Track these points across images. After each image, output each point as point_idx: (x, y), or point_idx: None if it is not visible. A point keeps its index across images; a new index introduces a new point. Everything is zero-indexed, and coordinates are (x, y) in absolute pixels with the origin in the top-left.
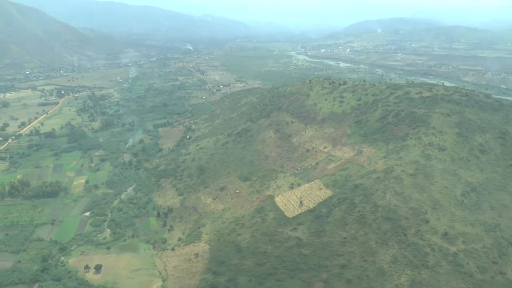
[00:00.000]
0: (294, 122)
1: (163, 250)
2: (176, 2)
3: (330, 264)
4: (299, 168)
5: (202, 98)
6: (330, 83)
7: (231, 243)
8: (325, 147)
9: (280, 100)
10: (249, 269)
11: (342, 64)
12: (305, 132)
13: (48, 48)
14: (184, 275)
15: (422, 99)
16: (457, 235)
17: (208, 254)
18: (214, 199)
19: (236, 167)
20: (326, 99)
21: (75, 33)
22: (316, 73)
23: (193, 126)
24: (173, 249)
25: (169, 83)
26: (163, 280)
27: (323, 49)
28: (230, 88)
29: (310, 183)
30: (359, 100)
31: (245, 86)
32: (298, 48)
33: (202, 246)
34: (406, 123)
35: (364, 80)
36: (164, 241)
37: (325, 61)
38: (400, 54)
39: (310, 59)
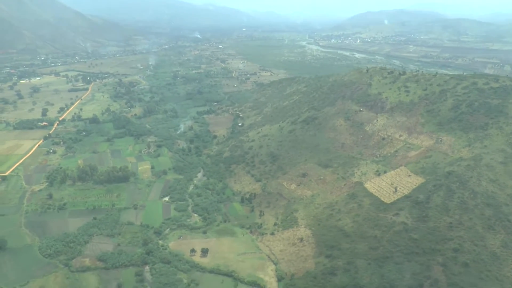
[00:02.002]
0: (362, 111)
1: (262, 234)
2: None
3: (443, 248)
4: (378, 156)
5: (234, 86)
6: (389, 73)
7: (333, 227)
8: (400, 135)
9: (341, 89)
10: (364, 253)
11: (357, 55)
12: (377, 120)
13: (60, 34)
14: (295, 259)
15: (492, 90)
16: None
17: (312, 239)
18: (298, 185)
19: (311, 154)
20: (390, 89)
21: (85, 19)
22: (335, 63)
23: (241, 114)
24: (272, 233)
25: (193, 71)
26: (275, 264)
27: (333, 40)
28: (257, 77)
29: (396, 170)
30: (425, 90)
31: (271, 75)
32: (307, 38)
33: (303, 231)
34: (482, 113)
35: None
36: (260, 226)
37: (339, 52)
38: (412, 46)
39: (323, 49)
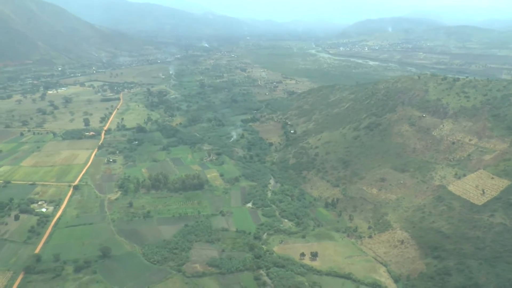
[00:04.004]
0: (425, 116)
1: (360, 238)
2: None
3: None
4: (452, 160)
5: (265, 94)
6: (443, 79)
7: (430, 229)
8: (470, 140)
9: (398, 96)
10: (471, 253)
11: (371, 63)
12: (443, 125)
13: (73, 45)
14: (402, 260)
15: None
16: None
17: (412, 241)
18: (380, 190)
19: (383, 159)
20: (448, 95)
21: (95, 29)
22: (353, 71)
23: (288, 121)
24: (370, 236)
25: (218, 80)
26: (385, 265)
27: (341, 48)
28: (285, 85)
29: (475, 173)
30: (486, 95)
31: (296, 83)
32: (313, 46)
33: (400, 233)
34: None
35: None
36: (355, 230)
37: (352, 59)
38: (422, 53)
39: (335, 57)
